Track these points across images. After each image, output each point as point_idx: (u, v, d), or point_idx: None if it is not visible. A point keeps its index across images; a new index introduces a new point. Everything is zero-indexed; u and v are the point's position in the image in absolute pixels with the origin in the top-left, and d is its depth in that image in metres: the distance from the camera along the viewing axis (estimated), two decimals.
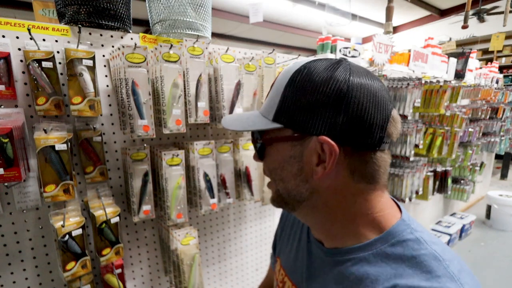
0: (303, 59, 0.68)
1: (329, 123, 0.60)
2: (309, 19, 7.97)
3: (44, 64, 1.08)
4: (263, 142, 0.71)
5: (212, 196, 1.48)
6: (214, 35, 1.50)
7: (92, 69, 1.14)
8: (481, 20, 7.28)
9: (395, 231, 0.64)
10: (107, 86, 1.33)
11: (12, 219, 1.18)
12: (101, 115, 1.32)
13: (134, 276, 1.54)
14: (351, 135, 0.60)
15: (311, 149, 0.63)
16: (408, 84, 2.62)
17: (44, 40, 1.16)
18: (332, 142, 0.59)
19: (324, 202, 0.67)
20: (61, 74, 1.18)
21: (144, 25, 6.16)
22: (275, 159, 0.70)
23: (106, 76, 1.33)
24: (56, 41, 1.19)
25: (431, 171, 3.39)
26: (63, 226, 1.08)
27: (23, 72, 1.14)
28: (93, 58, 1.14)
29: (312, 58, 0.70)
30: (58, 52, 1.18)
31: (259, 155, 0.74)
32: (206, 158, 1.44)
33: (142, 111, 1.20)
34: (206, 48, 1.35)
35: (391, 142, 0.64)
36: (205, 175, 1.44)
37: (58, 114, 1.17)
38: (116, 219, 1.20)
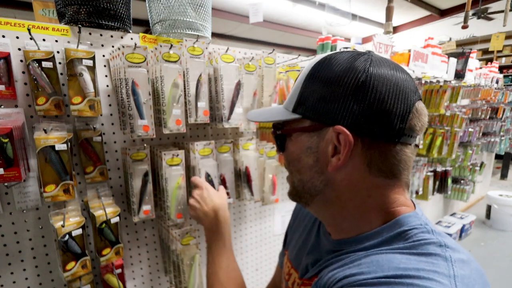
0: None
1: (347, 113, 0.59)
2: (309, 19, 7.97)
3: (44, 64, 1.07)
4: (283, 133, 0.73)
5: None
6: (214, 35, 1.50)
7: (92, 69, 1.14)
8: (488, 18, 7.27)
9: (403, 220, 0.63)
10: (107, 86, 1.33)
11: (12, 219, 1.18)
12: (101, 115, 1.32)
13: (134, 276, 1.54)
14: (369, 125, 0.58)
15: (327, 140, 0.62)
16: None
17: (44, 40, 1.16)
18: (347, 132, 0.58)
19: (337, 195, 0.66)
20: (61, 74, 1.18)
21: (144, 25, 6.16)
22: (293, 150, 0.71)
23: (106, 76, 1.33)
24: (56, 41, 1.19)
25: (431, 171, 3.40)
26: (63, 226, 1.08)
27: (23, 72, 1.14)
28: (93, 58, 1.14)
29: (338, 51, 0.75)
30: (58, 52, 1.18)
31: (280, 147, 0.75)
32: (207, 159, 1.44)
33: (142, 111, 1.20)
34: (206, 48, 1.35)
35: (416, 136, 0.62)
36: (207, 175, 1.43)
37: (58, 114, 1.17)
38: (116, 219, 1.20)
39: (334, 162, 0.62)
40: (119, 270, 1.32)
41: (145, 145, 1.35)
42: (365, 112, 0.58)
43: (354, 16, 6.95)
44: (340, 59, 0.62)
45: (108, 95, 1.34)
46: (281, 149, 0.75)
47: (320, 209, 0.73)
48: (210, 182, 1.44)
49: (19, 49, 1.12)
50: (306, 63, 0.70)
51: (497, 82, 4.61)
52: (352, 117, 0.59)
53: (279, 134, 0.74)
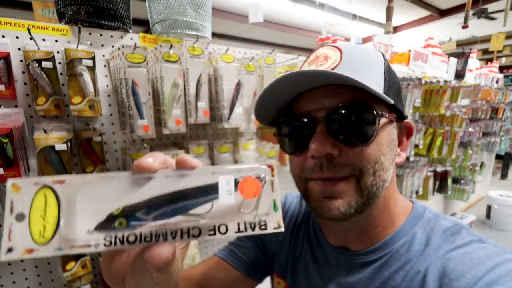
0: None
1: (403, 108, 0.65)
2: (309, 19, 7.96)
3: (44, 64, 1.07)
4: (377, 117, 0.57)
5: None
6: (214, 35, 1.50)
7: (92, 69, 1.14)
8: (488, 18, 7.26)
9: (418, 213, 0.68)
10: (107, 86, 1.33)
11: None
12: (101, 115, 1.32)
13: None
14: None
15: (400, 132, 0.66)
16: (408, 84, 2.62)
17: (44, 40, 1.16)
18: (413, 127, 0.67)
19: (390, 193, 0.66)
20: (61, 74, 1.18)
21: (144, 25, 6.15)
22: (383, 142, 0.59)
23: (106, 76, 1.32)
24: (56, 41, 1.19)
25: (431, 171, 3.39)
26: None
27: (23, 72, 1.13)
28: (93, 58, 1.14)
29: None
30: (58, 52, 1.18)
31: (366, 135, 0.57)
32: (201, 158, 1.45)
33: (142, 111, 1.20)
34: (206, 48, 1.35)
35: None
36: None
37: (58, 114, 1.17)
38: None
39: (404, 155, 0.66)
40: None
41: (145, 145, 1.35)
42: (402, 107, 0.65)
43: (354, 16, 6.95)
44: None
45: (108, 95, 1.34)
46: (362, 138, 0.57)
47: (366, 216, 0.65)
48: None
49: (19, 49, 1.12)
50: (347, 43, 0.64)
51: (497, 82, 4.61)
52: (403, 112, 0.65)
53: (374, 115, 0.56)
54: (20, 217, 0.33)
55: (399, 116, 0.64)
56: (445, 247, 0.59)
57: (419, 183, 3.12)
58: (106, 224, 0.34)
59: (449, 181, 3.69)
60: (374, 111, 0.56)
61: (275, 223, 0.37)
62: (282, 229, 0.37)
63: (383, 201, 0.65)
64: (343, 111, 0.56)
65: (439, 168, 3.57)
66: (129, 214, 0.35)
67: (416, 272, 0.58)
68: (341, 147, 0.57)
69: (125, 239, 0.34)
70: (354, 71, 0.56)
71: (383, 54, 0.64)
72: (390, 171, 0.61)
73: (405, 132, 0.67)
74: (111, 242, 0.34)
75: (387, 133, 0.60)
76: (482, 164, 4.81)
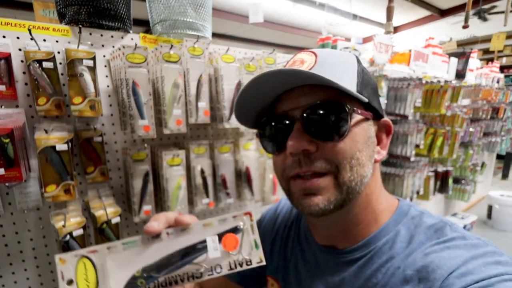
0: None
1: (381, 108, 0.68)
2: (309, 19, 7.96)
3: (45, 64, 1.08)
4: (349, 113, 0.59)
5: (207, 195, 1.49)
6: (214, 35, 1.50)
7: (92, 70, 1.14)
8: (484, 19, 7.27)
9: (402, 210, 0.69)
10: (108, 86, 1.33)
11: (13, 219, 1.18)
12: (101, 115, 1.32)
13: None
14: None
15: (379, 130, 0.68)
16: (408, 84, 2.62)
17: (44, 40, 1.16)
18: (391, 124, 0.69)
19: (371, 191, 0.67)
20: (62, 74, 1.18)
21: (144, 25, 6.14)
22: (359, 138, 0.61)
23: (106, 76, 1.33)
24: (57, 41, 1.19)
25: (432, 171, 3.39)
26: (64, 226, 1.08)
27: (24, 73, 1.14)
28: (93, 59, 1.14)
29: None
30: (58, 52, 1.18)
31: (339, 131, 0.59)
32: (202, 157, 1.45)
33: (142, 111, 1.20)
34: (207, 48, 1.35)
35: None
36: (202, 171, 1.44)
37: (58, 115, 1.17)
38: (117, 219, 1.20)
39: (382, 152, 0.68)
40: None
41: (145, 145, 1.35)
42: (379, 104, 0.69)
43: (354, 16, 6.95)
44: None
45: (109, 95, 1.34)
46: (336, 134, 0.59)
47: (347, 213, 0.66)
48: (204, 179, 1.45)
49: (20, 50, 1.12)
50: (326, 49, 0.67)
51: (498, 82, 4.62)
52: (381, 110, 0.68)
53: (346, 112, 0.59)
54: (69, 282, 0.45)
55: (376, 114, 0.67)
56: (427, 244, 0.59)
57: (420, 183, 3.11)
58: (131, 283, 0.47)
59: (450, 181, 3.68)
60: (346, 108, 0.59)
61: (257, 259, 0.49)
62: (264, 263, 0.49)
63: (365, 199, 0.66)
64: (317, 109, 0.60)
65: (440, 168, 3.56)
66: (146, 275, 0.47)
67: (396, 268, 0.59)
68: (317, 143, 0.60)
69: None
70: (327, 72, 0.58)
71: (357, 58, 0.67)
72: (368, 167, 0.63)
73: (384, 130, 0.69)
74: None
75: (363, 130, 0.63)
76: (483, 164, 4.81)
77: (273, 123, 0.66)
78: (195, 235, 0.49)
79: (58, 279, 0.44)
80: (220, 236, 0.49)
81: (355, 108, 0.60)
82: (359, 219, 0.67)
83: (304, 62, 0.63)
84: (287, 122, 0.62)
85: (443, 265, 0.53)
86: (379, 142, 0.68)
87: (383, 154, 0.68)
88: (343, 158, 0.59)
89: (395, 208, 0.69)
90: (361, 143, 0.61)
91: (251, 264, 0.49)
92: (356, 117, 0.62)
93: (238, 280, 0.94)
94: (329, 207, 0.60)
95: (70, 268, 0.45)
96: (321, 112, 0.59)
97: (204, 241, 0.49)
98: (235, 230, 0.49)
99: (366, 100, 0.59)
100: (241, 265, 0.49)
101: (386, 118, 0.68)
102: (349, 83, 0.60)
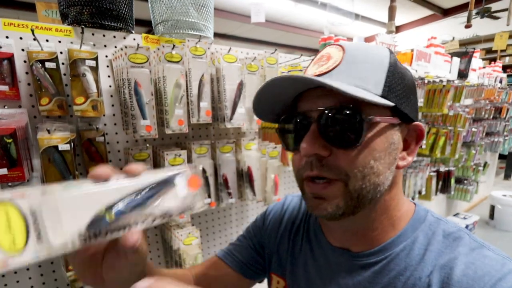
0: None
1: (415, 109, 0.64)
2: (311, 19, 7.95)
3: (47, 64, 1.08)
4: (365, 121, 0.56)
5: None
6: (216, 35, 1.50)
7: (95, 70, 1.14)
8: (493, 17, 7.22)
9: (419, 216, 0.66)
10: (110, 86, 1.34)
11: None
12: (104, 115, 1.32)
13: None
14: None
15: (409, 135, 0.65)
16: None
17: (47, 40, 1.17)
18: (423, 129, 0.64)
19: (390, 196, 0.65)
20: (64, 74, 1.19)
21: (146, 25, 6.17)
22: (376, 146, 0.58)
23: (109, 76, 1.33)
24: (59, 41, 1.20)
25: (434, 171, 3.38)
26: None
27: (27, 73, 1.14)
28: (96, 59, 1.14)
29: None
30: (61, 52, 1.18)
31: (352, 139, 0.56)
32: (203, 157, 1.46)
33: (144, 111, 1.20)
34: (209, 48, 1.35)
35: None
36: (204, 171, 1.44)
37: (61, 115, 1.17)
38: None
39: (410, 159, 0.65)
40: None
41: (147, 145, 1.35)
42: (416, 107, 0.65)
43: (356, 16, 6.94)
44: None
45: (111, 96, 1.34)
46: (349, 142, 0.56)
47: (362, 218, 0.64)
48: (206, 178, 1.45)
49: (23, 50, 1.12)
50: (353, 43, 0.64)
51: (500, 81, 4.59)
52: (417, 113, 0.66)
53: (360, 120, 0.55)
54: None
55: (405, 118, 0.62)
56: (447, 254, 0.58)
57: (422, 183, 3.10)
58: (95, 222, 0.39)
59: (452, 181, 3.67)
60: (361, 115, 0.55)
61: (202, 203, 0.50)
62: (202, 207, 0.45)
63: (383, 204, 0.64)
64: (332, 113, 0.56)
65: (442, 168, 3.55)
66: (115, 210, 0.41)
67: (417, 279, 0.58)
68: (331, 149, 0.57)
69: (99, 232, 0.40)
70: (350, 72, 0.56)
71: (390, 52, 0.63)
72: (385, 175, 0.59)
73: (415, 135, 0.64)
74: (85, 239, 0.38)
75: (383, 137, 0.58)
76: (485, 164, 4.79)
77: (293, 121, 0.63)
78: (149, 178, 0.45)
79: None
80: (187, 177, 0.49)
81: (372, 116, 0.56)
82: (375, 225, 0.65)
83: (330, 58, 0.60)
84: (304, 122, 0.60)
85: (471, 287, 0.52)
86: (406, 147, 0.64)
87: (408, 160, 0.64)
88: (354, 167, 0.56)
89: (412, 214, 0.67)
90: (379, 151, 0.58)
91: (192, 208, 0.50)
92: (375, 124, 0.57)
93: (240, 268, 0.91)
94: (338, 213, 0.58)
95: None
96: (336, 117, 0.56)
97: (166, 180, 0.46)
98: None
99: (391, 104, 0.56)
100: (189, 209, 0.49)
101: (418, 122, 0.64)
102: (374, 86, 0.56)
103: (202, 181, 0.47)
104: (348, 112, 0.56)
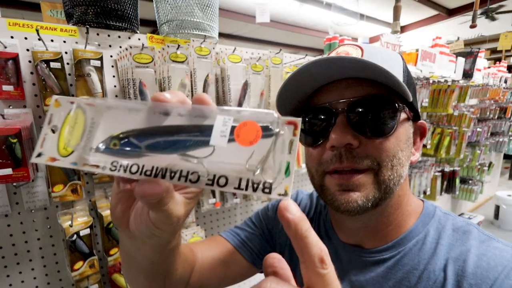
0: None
1: (418, 109, 0.66)
2: (316, 19, 7.94)
3: (52, 64, 1.08)
4: (398, 111, 0.58)
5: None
6: (221, 35, 1.50)
7: (99, 70, 1.14)
8: (492, 18, 7.20)
9: (429, 211, 0.68)
10: (115, 86, 1.33)
11: (21, 219, 1.19)
12: None
13: None
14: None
15: (414, 132, 0.67)
16: (415, 84, 2.60)
17: (52, 40, 1.17)
18: (426, 127, 0.68)
19: (403, 192, 0.67)
20: (69, 74, 1.19)
21: (151, 25, 6.17)
22: (401, 137, 0.60)
23: (113, 76, 1.33)
24: (64, 41, 1.20)
25: (439, 171, 3.36)
26: (71, 226, 1.09)
27: (32, 73, 1.14)
28: (100, 59, 1.14)
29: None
30: (66, 52, 1.18)
31: (386, 128, 0.57)
32: None
33: None
34: (213, 48, 1.35)
35: None
36: None
37: None
38: None
39: (418, 155, 0.67)
40: None
41: None
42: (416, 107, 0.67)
43: (361, 16, 6.92)
44: None
45: (116, 96, 1.34)
46: (383, 131, 0.58)
47: (380, 213, 0.65)
48: None
49: (28, 50, 1.12)
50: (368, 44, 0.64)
51: (505, 81, 4.56)
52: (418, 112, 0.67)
53: (396, 108, 0.58)
54: (54, 129, 0.36)
55: (415, 115, 0.65)
56: (458, 247, 0.59)
57: (426, 183, 3.09)
58: (106, 142, 0.35)
59: (457, 181, 3.66)
60: (396, 104, 0.57)
61: (281, 189, 0.30)
62: (288, 197, 0.30)
63: (397, 200, 0.65)
64: (365, 103, 0.57)
65: (447, 168, 3.54)
66: (123, 137, 0.35)
67: (431, 272, 0.58)
68: (361, 138, 0.58)
69: (128, 168, 0.34)
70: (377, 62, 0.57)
71: (401, 56, 0.66)
72: (406, 167, 0.62)
73: (419, 132, 0.68)
74: (115, 168, 0.34)
75: (405, 129, 0.61)
76: (490, 164, 4.77)
77: (314, 115, 0.63)
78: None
79: (44, 122, 0.36)
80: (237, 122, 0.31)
81: (404, 106, 0.59)
82: (390, 220, 0.66)
83: (349, 54, 0.60)
84: (330, 114, 0.59)
85: (486, 278, 0.53)
86: (413, 143, 0.67)
87: (417, 156, 0.68)
88: (386, 156, 0.57)
89: (421, 209, 0.69)
90: (403, 143, 0.60)
91: (269, 192, 0.30)
92: (403, 115, 0.60)
93: (248, 254, 0.87)
94: (367, 205, 0.58)
95: (61, 115, 0.36)
96: (370, 106, 0.57)
97: (211, 126, 0.32)
98: (265, 129, 0.31)
99: (411, 98, 0.57)
100: (254, 188, 0.31)
101: (422, 121, 0.68)
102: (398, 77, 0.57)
103: (260, 136, 0.27)
104: (383, 101, 0.58)
